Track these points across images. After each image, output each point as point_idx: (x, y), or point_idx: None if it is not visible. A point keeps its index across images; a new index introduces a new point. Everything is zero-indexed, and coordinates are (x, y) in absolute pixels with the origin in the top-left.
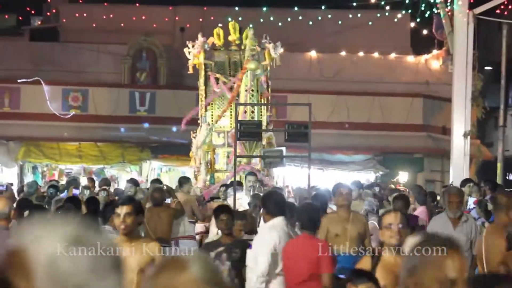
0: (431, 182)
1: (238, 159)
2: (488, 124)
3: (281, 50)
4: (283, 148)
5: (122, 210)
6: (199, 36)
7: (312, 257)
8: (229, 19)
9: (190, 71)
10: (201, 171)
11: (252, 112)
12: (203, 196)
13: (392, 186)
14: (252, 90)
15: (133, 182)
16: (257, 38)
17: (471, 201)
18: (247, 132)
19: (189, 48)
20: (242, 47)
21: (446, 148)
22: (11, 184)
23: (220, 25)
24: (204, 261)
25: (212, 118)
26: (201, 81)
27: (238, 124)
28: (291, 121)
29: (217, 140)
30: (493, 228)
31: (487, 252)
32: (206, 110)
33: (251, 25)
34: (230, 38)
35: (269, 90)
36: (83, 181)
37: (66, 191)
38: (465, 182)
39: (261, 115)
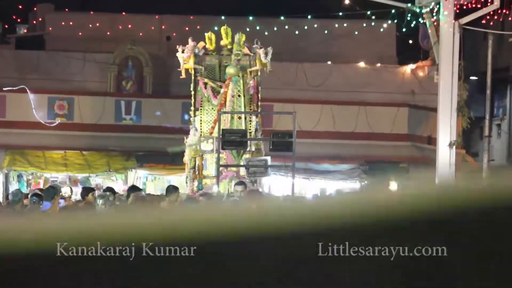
0: None
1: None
2: (473, 134)
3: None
4: (268, 158)
5: None
6: (189, 40)
7: None
8: (216, 28)
9: (183, 75)
10: (188, 178)
11: (239, 118)
12: None
13: None
14: (239, 96)
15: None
16: (248, 43)
17: None
18: (232, 141)
19: (178, 52)
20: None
21: (431, 157)
22: None
23: (206, 34)
24: None
25: (201, 123)
26: (192, 86)
27: (223, 133)
28: (277, 130)
29: (205, 146)
30: None
31: None
32: (195, 115)
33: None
34: (222, 42)
35: (259, 96)
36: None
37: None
38: None
39: (250, 121)
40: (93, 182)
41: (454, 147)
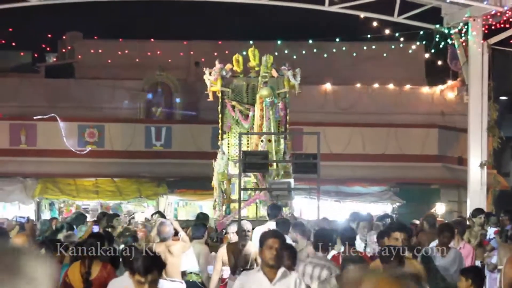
0: (448, 213)
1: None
2: (504, 154)
3: (299, 78)
4: (291, 180)
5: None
6: (216, 63)
7: None
8: (244, 52)
9: (210, 98)
10: (217, 202)
11: (269, 141)
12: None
13: None
14: (269, 118)
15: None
16: (276, 66)
17: (491, 231)
18: (253, 163)
19: (205, 74)
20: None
21: (462, 178)
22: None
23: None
24: None
25: (228, 147)
26: (219, 109)
27: (244, 155)
28: (303, 152)
29: (233, 169)
30: None
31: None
32: (222, 139)
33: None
34: (250, 64)
35: (288, 118)
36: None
37: (75, 227)
38: (476, 212)
39: (279, 144)
40: (124, 208)
41: (485, 167)
